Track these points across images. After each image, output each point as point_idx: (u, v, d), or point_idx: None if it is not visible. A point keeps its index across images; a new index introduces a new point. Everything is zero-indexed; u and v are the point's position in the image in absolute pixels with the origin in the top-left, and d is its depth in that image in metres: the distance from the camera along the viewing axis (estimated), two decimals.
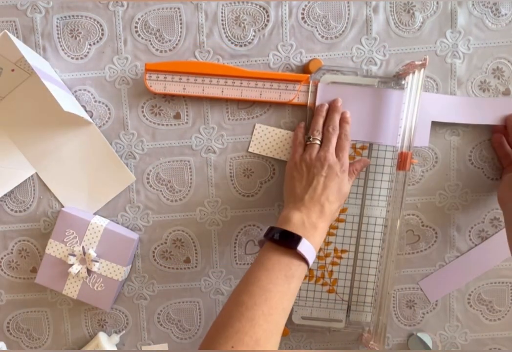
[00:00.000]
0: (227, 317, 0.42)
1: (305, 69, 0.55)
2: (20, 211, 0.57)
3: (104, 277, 0.55)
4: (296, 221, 0.47)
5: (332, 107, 0.54)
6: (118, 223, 0.58)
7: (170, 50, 0.55)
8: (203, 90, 0.54)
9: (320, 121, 0.53)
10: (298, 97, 0.54)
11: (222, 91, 0.54)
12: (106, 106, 0.56)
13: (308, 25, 0.55)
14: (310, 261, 0.47)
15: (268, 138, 0.56)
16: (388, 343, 0.60)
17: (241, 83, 0.54)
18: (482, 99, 0.55)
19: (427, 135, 0.55)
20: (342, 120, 0.53)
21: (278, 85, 0.54)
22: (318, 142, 0.52)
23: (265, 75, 0.53)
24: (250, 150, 0.56)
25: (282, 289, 0.44)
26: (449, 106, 0.55)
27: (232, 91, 0.54)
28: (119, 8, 0.55)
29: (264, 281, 0.44)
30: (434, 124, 0.55)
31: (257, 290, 0.43)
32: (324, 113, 0.53)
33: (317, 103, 0.54)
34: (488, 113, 0.55)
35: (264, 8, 0.55)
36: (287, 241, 0.46)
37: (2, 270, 0.59)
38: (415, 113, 0.51)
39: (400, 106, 0.53)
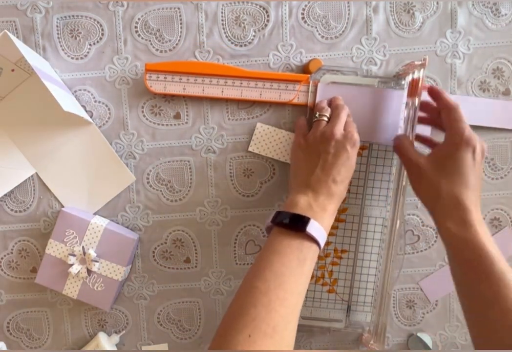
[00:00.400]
0: (241, 304, 0.41)
1: (305, 69, 0.55)
2: (20, 211, 0.58)
3: (104, 277, 0.55)
4: (303, 205, 0.46)
5: (334, 98, 0.53)
6: (118, 223, 0.58)
7: (170, 50, 0.55)
8: (203, 90, 0.54)
9: (324, 102, 0.52)
10: (298, 97, 0.54)
11: (222, 91, 0.54)
12: (106, 106, 0.56)
13: (308, 25, 0.55)
14: (322, 243, 0.45)
15: (269, 138, 0.56)
16: (388, 343, 0.60)
17: (241, 83, 0.54)
18: (481, 99, 0.55)
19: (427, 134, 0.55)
20: None
21: (278, 85, 0.54)
22: (326, 118, 0.50)
23: (265, 75, 0.53)
24: (250, 149, 0.56)
25: (296, 272, 0.42)
26: None
27: (232, 91, 0.54)
28: (119, 8, 0.55)
29: (277, 265, 0.42)
30: None
31: (270, 275, 0.42)
32: (326, 101, 0.53)
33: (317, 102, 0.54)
34: (488, 113, 0.55)
35: (264, 8, 0.55)
36: (296, 224, 0.44)
37: (2, 270, 0.59)
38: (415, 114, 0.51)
39: (400, 106, 0.53)
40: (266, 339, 0.38)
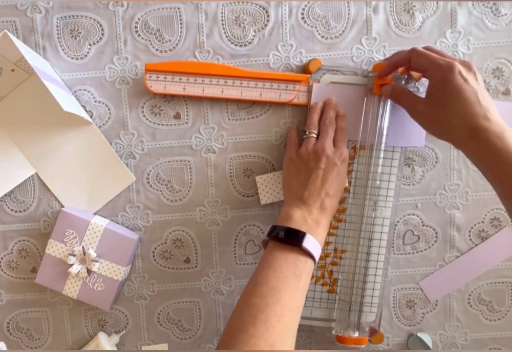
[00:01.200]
0: (240, 321, 0.41)
1: (305, 69, 0.55)
2: (20, 211, 0.57)
3: (104, 277, 0.55)
4: (298, 218, 0.47)
5: (327, 104, 0.53)
6: (118, 223, 0.58)
7: (170, 50, 0.55)
8: (203, 90, 0.54)
9: (315, 117, 0.53)
10: (298, 97, 0.54)
11: (222, 91, 0.54)
12: (106, 106, 0.56)
13: (308, 25, 0.55)
14: (317, 257, 0.46)
15: (273, 184, 0.56)
16: (388, 343, 0.60)
17: (241, 83, 0.54)
18: None
19: (423, 134, 0.55)
20: (337, 117, 0.53)
21: (278, 85, 0.54)
22: (315, 135, 0.51)
23: (265, 75, 0.53)
24: (262, 203, 0.57)
25: (292, 288, 0.43)
26: None
27: (232, 91, 0.54)
28: (119, 8, 0.55)
29: (273, 281, 0.43)
30: None
31: (267, 291, 0.42)
32: (319, 110, 0.53)
33: (311, 102, 0.54)
34: None
35: (264, 8, 0.55)
36: (291, 239, 0.46)
37: (2, 270, 0.59)
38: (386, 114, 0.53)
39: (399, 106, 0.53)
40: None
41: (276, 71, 0.55)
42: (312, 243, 0.45)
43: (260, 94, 0.54)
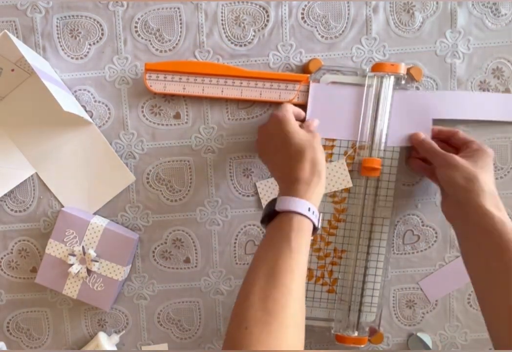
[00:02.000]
0: (244, 290, 0.41)
1: (305, 69, 0.55)
2: (20, 211, 0.58)
3: (104, 277, 0.55)
4: (286, 187, 0.47)
5: None
6: (118, 223, 0.58)
7: (170, 50, 0.55)
8: (203, 89, 0.54)
9: None
10: (298, 97, 0.54)
11: (222, 91, 0.54)
12: (106, 106, 0.56)
13: (308, 25, 0.55)
14: (302, 211, 0.43)
15: (274, 189, 0.56)
16: (388, 343, 0.60)
17: (241, 83, 0.54)
18: (484, 94, 0.55)
19: (428, 132, 0.55)
20: None
21: (278, 85, 0.54)
22: None
23: (265, 75, 0.53)
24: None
25: (283, 249, 0.41)
26: (450, 102, 0.55)
27: (232, 91, 0.54)
28: (119, 8, 0.55)
29: (263, 249, 0.43)
30: (435, 123, 0.55)
31: (260, 262, 0.42)
32: None
33: (309, 103, 0.54)
34: (489, 108, 0.55)
35: (264, 8, 0.55)
36: (267, 208, 0.46)
37: (2, 270, 0.59)
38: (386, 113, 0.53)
39: (400, 106, 0.53)
40: (263, 326, 0.37)
41: (276, 71, 0.55)
42: (288, 201, 0.44)
43: (260, 94, 0.54)
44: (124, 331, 0.59)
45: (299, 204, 0.44)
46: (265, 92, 0.54)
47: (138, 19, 0.55)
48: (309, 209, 0.44)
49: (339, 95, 0.54)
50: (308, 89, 0.54)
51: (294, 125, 0.49)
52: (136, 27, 0.55)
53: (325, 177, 0.47)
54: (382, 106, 0.53)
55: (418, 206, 0.58)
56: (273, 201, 0.46)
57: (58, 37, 0.55)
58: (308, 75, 0.54)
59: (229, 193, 0.57)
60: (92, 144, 0.56)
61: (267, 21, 0.55)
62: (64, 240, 0.55)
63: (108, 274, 0.55)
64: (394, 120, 0.54)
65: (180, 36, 0.55)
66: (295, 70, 0.56)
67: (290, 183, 0.46)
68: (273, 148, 0.49)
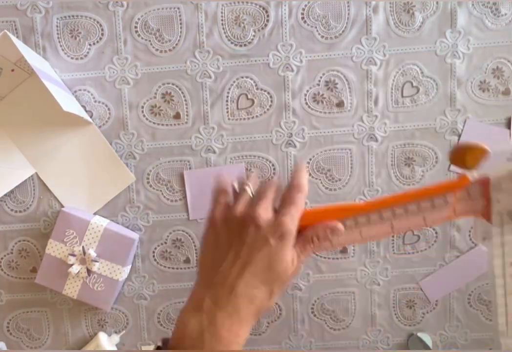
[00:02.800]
0: None
1: (456, 159, 0.32)
2: (20, 211, 0.57)
3: (104, 277, 0.55)
4: (193, 329, 0.32)
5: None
6: (118, 223, 0.58)
7: (170, 50, 0.55)
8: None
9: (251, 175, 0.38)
10: (455, 211, 0.32)
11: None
12: (106, 106, 0.56)
13: (308, 25, 0.55)
14: None
15: None
16: (388, 343, 0.60)
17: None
18: None
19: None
20: (291, 186, 0.34)
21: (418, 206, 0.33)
22: (250, 191, 0.35)
23: (399, 198, 0.33)
24: None
25: None
26: None
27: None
28: (119, 8, 0.55)
29: None
30: (435, 123, 0.55)
31: None
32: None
33: None
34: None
35: (264, 8, 0.55)
36: None
37: (2, 270, 0.59)
38: None
39: None
40: None
41: (277, 72, 0.55)
42: None
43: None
44: (124, 331, 0.59)
45: None
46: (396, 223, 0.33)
47: (138, 19, 0.55)
48: None
49: None
50: (467, 195, 0.32)
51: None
52: (136, 27, 0.55)
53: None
54: None
55: None
56: (181, 326, 0.32)
57: (58, 37, 0.55)
58: (465, 175, 0.32)
59: None
60: (92, 144, 0.56)
61: (267, 21, 0.55)
62: (64, 240, 0.55)
63: (108, 274, 0.55)
64: None
65: (180, 36, 0.55)
66: (295, 70, 0.56)
67: (211, 333, 0.31)
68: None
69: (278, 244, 0.32)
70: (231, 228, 0.34)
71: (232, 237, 0.34)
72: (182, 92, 0.56)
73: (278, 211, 0.34)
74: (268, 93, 0.56)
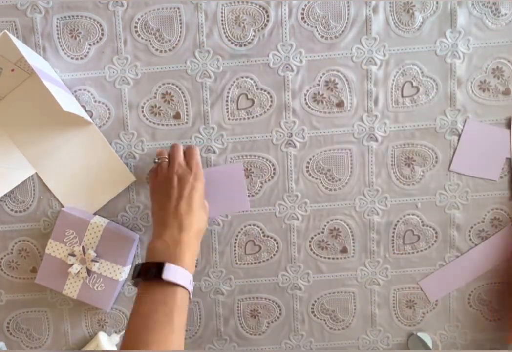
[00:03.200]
0: None
1: None
2: (20, 211, 0.58)
3: (104, 277, 0.55)
4: (160, 247, 0.46)
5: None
6: (118, 223, 0.58)
7: (170, 50, 0.55)
8: None
9: (164, 150, 0.54)
10: None
11: None
12: (106, 106, 0.56)
13: (308, 25, 0.55)
14: (185, 284, 0.44)
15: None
16: (388, 343, 0.60)
17: None
18: None
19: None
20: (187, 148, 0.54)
21: None
22: (166, 159, 0.52)
23: None
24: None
25: (165, 332, 0.41)
26: None
27: None
28: (119, 8, 0.55)
29: (143, 331, 0.41)
30: (435, 123, 0.55)
31: (140, 346, 0.40)
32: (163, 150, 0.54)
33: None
34: None
35: (264, 8, 0.55)
36: (149, 274, 0.44)
37: (2, 270, 0.59)
38: None
39: None
40: None
41: (277, 72, 0.55)
42: (174, 271, 0.43)
43: None
44: (124, 331, 0.59)
45: (183, 277, 0.44)
46: None
47: (138, 19, 0.55)
48: (190, 282, 0.45)
49: None
50: None
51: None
52: (136, 27, 0.55)
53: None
54: None
55: (418, 206, 0.58)
56: (150, 251, 0.46)
57: (58, 37, 0.55)
58: None
59: None
60: (92, 144, 0.56)
61: (267, 21, 0.55)
62: (64, 240, 0.55)
63: (108, 274, 0.55)
64: None
65: (180, 36, 0.55)
66: (295, 70, 0.56)
67: (173, 243, 0.46)
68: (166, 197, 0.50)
69: (196, 183, 0.50)
70: (163, 184, 0.50)
71: (166, 189, 0.49)
72: (182, 92, 0.56)
73: (186, 162, 0.52)
74: (268, 93, 0.56)
